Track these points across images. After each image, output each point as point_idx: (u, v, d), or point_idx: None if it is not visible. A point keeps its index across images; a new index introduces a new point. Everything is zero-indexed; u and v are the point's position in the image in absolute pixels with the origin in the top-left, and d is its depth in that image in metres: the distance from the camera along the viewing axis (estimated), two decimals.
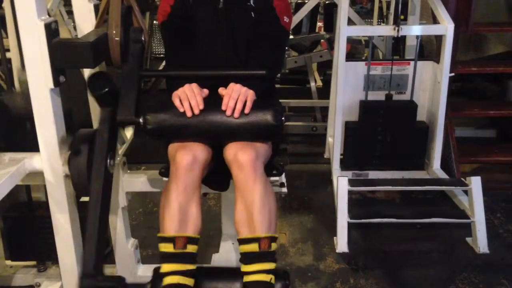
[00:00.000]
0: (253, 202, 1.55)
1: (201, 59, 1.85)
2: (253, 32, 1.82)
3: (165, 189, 1.64)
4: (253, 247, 1.53)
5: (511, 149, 3.31)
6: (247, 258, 1.55)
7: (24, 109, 1.58)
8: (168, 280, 1.52)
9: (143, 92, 1.74)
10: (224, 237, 2.25)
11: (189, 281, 1.53)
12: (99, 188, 1.54)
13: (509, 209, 2.92)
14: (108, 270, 2.13)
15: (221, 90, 1.65)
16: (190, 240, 1.56)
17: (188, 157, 1.59)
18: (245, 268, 1.54)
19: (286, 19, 1.83)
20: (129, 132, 1.98)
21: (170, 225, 1.56)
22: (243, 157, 1.57)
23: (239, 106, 1.59)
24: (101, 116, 1.64)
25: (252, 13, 1.82)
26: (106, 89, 1.61)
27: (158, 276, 1.55)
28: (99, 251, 1.54)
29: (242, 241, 1.56)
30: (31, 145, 1.53)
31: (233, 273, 1.59)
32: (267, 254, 1.54)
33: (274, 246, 1.56)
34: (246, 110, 1.59)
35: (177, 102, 1.61)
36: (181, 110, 1.60)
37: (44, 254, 2.06)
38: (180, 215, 1.56)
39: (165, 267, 1.53)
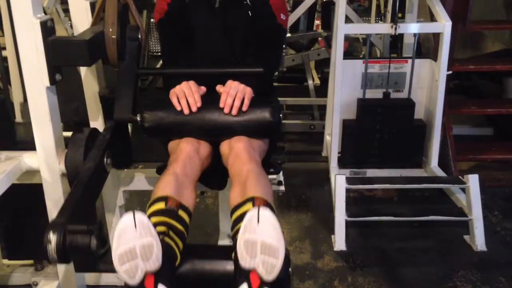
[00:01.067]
0: (248, 176, 1.46)
1: (198, 57, 1.86)
2: (250, 30, 1.82)
3: (162, 174, 1.55)
4: (247, 206, 1.37)
5: (508, 147, 3.31)
6: (239, 218, 1.36)
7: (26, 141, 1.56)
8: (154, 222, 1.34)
9: (140, 90, 1.74)
10: (222, 235, 2.25)
11: (178, 241, 1.37)
12: (90, 170, 1.47)
13: (507, 207, 2.92)
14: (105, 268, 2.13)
15: (218, 88, 1.65)
16: (183, 207, 1.43)
17: (192, 145, 1.59)
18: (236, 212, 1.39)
19: (282, 16, 1.83)
20: None
21: (164, 188, 1.44)
22: (237, 144, 1.57)
23: (236, 104, 1.59)
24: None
25: (249, 12, 1.82)
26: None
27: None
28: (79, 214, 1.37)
29: (235, 208, 1.41)
30: None
31: (224, 252, 1.42)
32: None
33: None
34: (244, 108, 1.60)
35: (174, 100, 1.61)
36: (179, 108, 1.60)
37: (41, 253, 2.05)
38: (176, 183, 1.46)
39: (153, 220, 1.37)
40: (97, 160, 1.50)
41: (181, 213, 1.42)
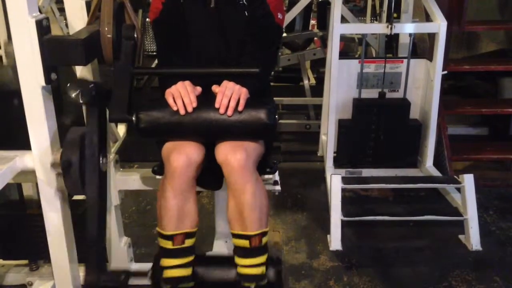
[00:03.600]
0: (244, 202, 1.60)
1: (193, 57, 1.85)
2: (246, 30, 1.82)
3: (161, 189, 1.65)
4: (245, 243, 1.63)
5: (503, 146, 3.33)
6: (239, 251, 1.66)
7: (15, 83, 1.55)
8: (168, 273, 1.63)
9: (136, 90, 1.73)
10: (218, 235, 2.24)
11: (187, 271, 1.64)
12: (95, 188, 1.53)
13: (502, 207, 2.93)
14: None
15: (214, 88, 1.65)
16: (188, 235, 1.65)
17: (183, 159, 1.61)
18: (238, 260, 1.65)
19: (280, 15, 1.83)
20: (121, 130, 1.98)
21: (168, 224, 1.63)
22: (233, 159, 1.59)
23: (232, 104, 1.59)
24: (90, 114, 1.63)
25: (245, 11, 1.82)
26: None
27: (158, 266, 1.65)
28: (102, 250, 1.61)
29: (235, 235, 1.66)
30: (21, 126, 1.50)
31: (228, 262, 1.69)
32: (258, 249, 1.63)
33: (264, 240, 1.65)
34: (240, 108, 1.59)
35: (170, 100, 1.61)
36: (175, 108, 1.60)
37: (36, 253, 2.04)
38: (177, 214, 1.63)
39: (165, 262, 1.64)
40: (97, 180, 1.55)
41: (187, 242, 1.66)
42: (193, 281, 1.67)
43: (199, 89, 1.66)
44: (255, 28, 1.81)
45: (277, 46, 2.08)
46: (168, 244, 1.65)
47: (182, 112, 1.59)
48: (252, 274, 1.63)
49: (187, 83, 1.65)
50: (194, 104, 1.60)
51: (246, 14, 1.81)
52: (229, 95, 1.60)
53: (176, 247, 1.64)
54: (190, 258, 1.66)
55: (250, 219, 1.62)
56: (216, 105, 1.60)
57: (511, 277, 2.32)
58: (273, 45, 1.90)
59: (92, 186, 1.53)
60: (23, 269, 2.18)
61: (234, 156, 1.59)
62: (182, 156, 1.61)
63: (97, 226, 1.54)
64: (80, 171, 1.51)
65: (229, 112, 1.59)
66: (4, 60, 2.06)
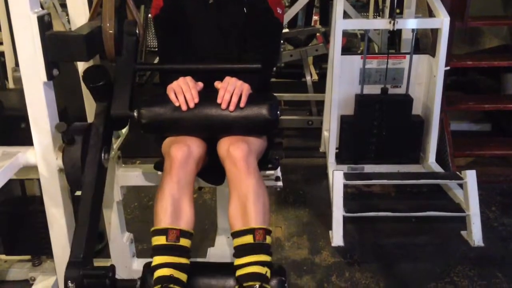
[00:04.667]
0: (247, 195, 1.54)
1: (194, 53, 1.85)
2: (246, 26, 1.82)
3: (159, 185, 1.63)
4: (248, 238, 1.49)
5: (506, 142, 3.32)
6: (241, 250, 1.49)
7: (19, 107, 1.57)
8: (159, 272, 1.46)
9: (138, 86, 1.73)
10: (220, 231, 2.25)
11: (182, 276, 1.47)
12: (92, 180, 1.52)
13: (504, 203, 2.93)
14: (103, 264, 2.12)
15: (216, 84, 1.65)
16: (183, 233, 1.52)
17: (183, 151, 1.58)
18: (238, 261, 1.48)
19: (279, 10, 1.82)
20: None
21: (163, 218, 1.53)
22: (235, 152, 1.57)
23: (234, 99, 1.59)
24: (96, 110, 1.63)
25: (244, 8, 1.82)
26: (102, 82, 1.60)
27: (149, 270, 1.49)
28: (89, 242, 1.50)
29: (236, 234, 1.52)
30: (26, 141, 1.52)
31: (227, 268, 1.53)
32: (262, 246, 1.49)
33: (268, 239, 1.53)
34: (242, 104, 1.59)
35: (172, 96, 1.61)
36: (176, 104, 1.60)
37: (38, 249, 2.05)
38: (172, 208, 1.54)
39: (157, 259, 1.48)
40: (96, 168, 1.53)
41: (183, 241, 1.51)
42: None
43: (200, 84, 1.66)
44: (254, 24, 1.81)
45: (278, 42, 2.07)
46: (161, 240, 1.50)
47: (184, 108, 1.59)
48: (257, 272, 1.45)
49: (189, 78, 1.64)
50: (196, 100, 1.60)
51: (245, 10, 1.81)
52: (231, 91, 1.60)
53: (170, 243, 1.49)
54: (185, 261, 1.50)
55: (253, 211, 1.52)
56: (218, 101, 1.59)
57: None
58: (274, 40, 1.89)
59: (89, 181, 1.52)
60: (26, 264, 2.19)
61: (237, 149, 1.57)
62: (183, 147, 1.58)
63: (88, 219, 1.50)
64: (82, 167, 1.51)
65: (231, 108, 1.58)
66: (12, 84, 2.09)
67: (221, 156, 1.62)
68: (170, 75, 1.70)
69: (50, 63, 1.41)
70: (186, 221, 1.55)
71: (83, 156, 1.52)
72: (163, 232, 1.51)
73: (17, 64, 1.55)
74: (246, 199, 1.53)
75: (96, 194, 1.56)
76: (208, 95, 1.62)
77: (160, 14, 1.83)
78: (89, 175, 1.52)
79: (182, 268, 1.48)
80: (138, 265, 2.15)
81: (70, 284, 1.36)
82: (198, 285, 1.51)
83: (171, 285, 1.44)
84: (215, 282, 1.53)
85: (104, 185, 1.64)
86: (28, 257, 2.19)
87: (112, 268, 1.45)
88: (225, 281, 1.50)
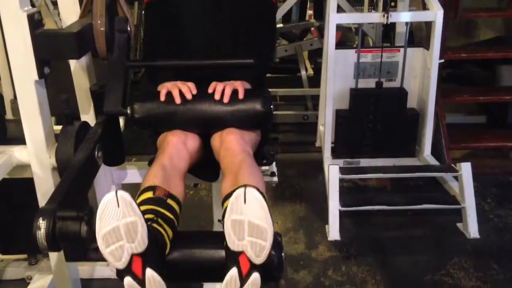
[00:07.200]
0: (240, 167, 1.44)
1: (186, 45, 1.83)
2: (241, 16, 1.81)
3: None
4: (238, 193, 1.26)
5: (501, 134, 3.32)
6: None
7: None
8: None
9: (133, 83, 1.73)
10: (216, 227, 2.25)
11: (168, 229, 1.32)
12: (78, 161, 1.46)
13: (499, 194, 2.94)
14: (99, 263, 2.12)
15: (213, 84, 1.64)
16: (171, 196, 1.40)
17: (179, 137, 1.57)
18: (227, 202, 1.26)
19: None
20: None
21: (152, 179, 1.41)
22: (228, 137, 1.55)
23: (227, 91, 1.58)
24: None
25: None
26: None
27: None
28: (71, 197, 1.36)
29: (226, 198, 1.37)
30: None
31: (216, 237, 1.36)
32: None
33: None
34: (240, 95, 1.58)
35: (162, 91, 1.60)
36: (162, 99, 1.58)
37: (35, 248, 2.04)
38: (163, 173, 1.44)
39: (141, 208, 1.24)
40: (87, 152, 1.48)
41: (170, 201, 1.39)
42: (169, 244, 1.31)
43: (191, 85, 1.65)
44: (249, 12, 1.80)
45: (274, 29, 2.04)
46: (147, 195, 1.37)
47: (178, 101, 1.58)
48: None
49: (179, 82, 1.63)
50: (194, 91, 1.59)
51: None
52: (224, 85, 1.60)
53: (157, 196, 1.36)
54: (172, 217, 1.36)
55: (246, 174, 1.40)
56: (210, 90, 1.59)
57: (508, 264, 2.33)
58: (269, 28, 1.87)
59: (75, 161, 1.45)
60: (22, 263, 2.19)
61: (229, 133, 1.55)
62: (180, 134, 1.58)
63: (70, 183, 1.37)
64: None
65: (225, 99, 1.58)
66: (10, 115, 2.08)
67: (215, 148, 1.61)
68: (159, 71, 1.70)
69: (41, 61, 1.41)
70: (176, 189, 1.43)
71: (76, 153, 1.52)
72: (151, 188, 1.39)
73: (15, 96, 1.52)
74: (238, 169, 1.43)
75: (82, 174, 1.45)
76: (202, 90, 1.62)
77: (153, 1, 1.82)
78: (76, 161, 1.45)
79: (168, 223, 1.34)
80: None
81: (41, 221, 1.20)
82: (184, 254, 1.34)
83: (160, 220, 1.31)
84: (204, 251, 1.35)
85: (93, 178, 1.61)
86: (24, 256, 2.19)
87: (90, 210, 1.27)
88: (214, 250, 1.33)
